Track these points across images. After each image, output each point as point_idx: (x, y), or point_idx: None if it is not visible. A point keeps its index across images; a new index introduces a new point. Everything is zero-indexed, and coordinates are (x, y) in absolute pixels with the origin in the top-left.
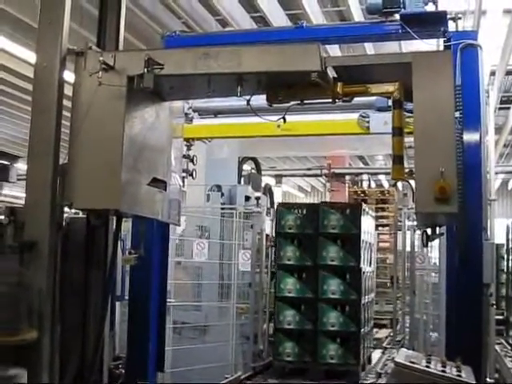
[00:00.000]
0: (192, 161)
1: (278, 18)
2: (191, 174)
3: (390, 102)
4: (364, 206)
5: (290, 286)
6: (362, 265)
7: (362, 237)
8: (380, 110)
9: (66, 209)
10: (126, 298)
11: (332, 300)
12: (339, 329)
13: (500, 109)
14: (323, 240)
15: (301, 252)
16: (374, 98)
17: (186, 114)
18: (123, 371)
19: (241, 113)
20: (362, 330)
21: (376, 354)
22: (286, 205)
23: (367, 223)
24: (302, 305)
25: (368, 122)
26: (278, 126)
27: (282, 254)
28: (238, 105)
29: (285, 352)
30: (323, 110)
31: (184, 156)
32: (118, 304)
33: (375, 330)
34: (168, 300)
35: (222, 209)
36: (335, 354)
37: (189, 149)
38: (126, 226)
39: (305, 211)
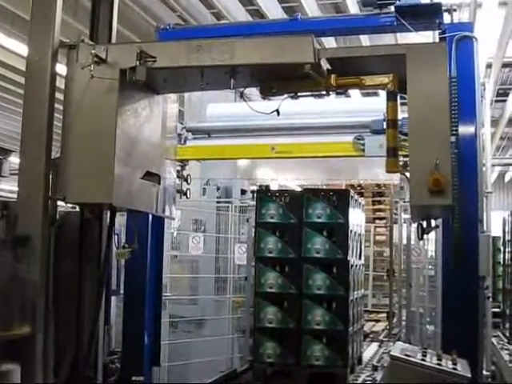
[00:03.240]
0: (186, 180)
1: (274, 11)
2: (185, 194)
3: (385, 125)
4: (352, 192)
5: (272, 280)
6: (350, 257)
7: (351, 227)
8: (375, 132)
9: (63, 203)
10: (122, 292)
11: (317, 296)
12: (325, 327)
13: (496, 101)
14: (308, 230)
15: (283, 243)
16: (369, 119)
17: (179, 135)
18: (119, 366)
19: (236, 132)
20: (351, 328)
21: (372, 348)
22: (267, 192)
23: (356, 212)
24: (284, 301)
25: (363, 144)
26: (273, 149)
27: (263, 246)
28: (233, 125)
29: (266, 353)
30: (318, 133)
31: (178, 176)
32: (113, 298)
33: (372, 323)
34: (164, 294)
35: (218, 202)
36: (321, 355)
37: (183, 168)
38: (122, 220)
39: (287, 199)
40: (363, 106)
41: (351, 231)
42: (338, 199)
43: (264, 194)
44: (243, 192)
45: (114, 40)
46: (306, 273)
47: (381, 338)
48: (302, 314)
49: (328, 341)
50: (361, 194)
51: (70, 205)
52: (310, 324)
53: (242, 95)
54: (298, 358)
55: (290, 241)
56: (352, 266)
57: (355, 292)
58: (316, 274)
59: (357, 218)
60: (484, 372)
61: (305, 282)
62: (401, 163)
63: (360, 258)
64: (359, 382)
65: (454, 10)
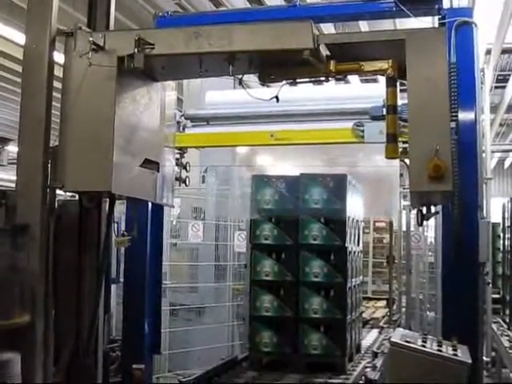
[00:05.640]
0: (185, 168)
1: None
2: (184, 182)
3: (385, 111)
4: (349, 177)
5: (268, 268)
6: (348, 244)
7: (348, 212)
8: (375, 118)
9: (63, 192)
10: (122, 280)
11: (315, 284)
12: (323, 316)
13: (496, 87)
14: (304, 216)
15: (279, 230)
16: (369, 105)
17: (178, 123)
18: (119, 354)
19: (235, 119)
20: (349, 316)
21: (373, 334)
22: (263, 177)
23: (354, 197)
24: (280, 289)
25: (363, 131)
26: (272, 136)
27: (259, 233)
28: (231, 112)
29: (262, 342)
30: (317, 119)
31: (177, 163)
32: (113, 287)
33: (372, 310)
34: (164, 282)
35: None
36: (318, 344)
37: (182, 156)
38: (122, 208)
39: (284, 184)
40: (363, 92)
41: (349, 217)
42: (336, 184)
43: (259, 179)
44: None
45: (112, 27)
46: (302, 260)
47: (381, 324)
48: (298, 302)
49: (326, 329)
50: None
51: (69, 193)
52: (307, 312)
53: (240, 82)
54: (295, 347)
55: (286, 227)
56: (350, 252)
57: (353, 279)
58: (313, 260)
59: (354, 203)
60: (484, 358)
61: (302, 270)
62: (400, 149)
63: (358, 244)
64: (358, 370)
65: None
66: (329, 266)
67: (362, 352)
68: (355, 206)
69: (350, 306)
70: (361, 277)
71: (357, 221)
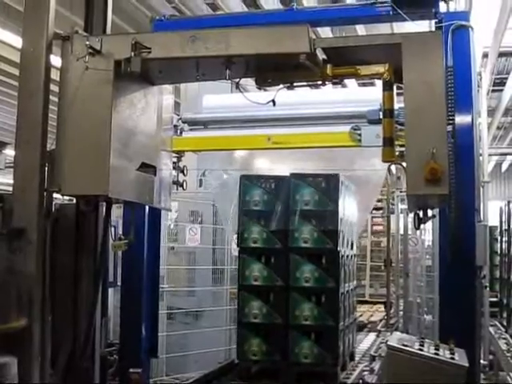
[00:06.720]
0: (182, 171)
1: (270, 1)
2: (181, 185)
3: (382, 115)
4: (342, 177)
5: (257, 272)
6: (340, 247)
7: (341, 214)
8: (372, 122)
9: (60, 196)
10: (119, 284)
11: (306, 289)
12: (314, 323)
13: (493, 91)
14: (295, 218)
15: (268, 232)
16: (366, 109)
17: (176, 126)
18: (116, 357)
19: (232, 123)
20: (342, 323)
21: (370, 338)
22: (251, 177)
23: (347, 198)
24: (270, 295)
25: (359, 134)
26: (269, 139)
27: (247, 236)
28: (229, 116)
29: (250, 350)
30: (314, 123)
31: (174, 167)
32: (110, 290)
33: (369, 313)
34: (161, 286)
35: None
36: (309, 352)
37: (179, 160)
38: (119, 212)
39: (273, 185)
40: (359, 95)
41: (341, 219)
42: (328, 185)
43: (248, 180)
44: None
45: (109, 31)
46: (293, 264)
47: (378, 328)
48: (289, 308)
49: (317, 337)
50: None
51: (66, 197)
52: (297, 319)
53: (237, 86)
54: (285, 356)
55: (275, 229)
56: (343, 256)
57: (346, 284)
58: (304, 265)
59: (348, 205)
60: (482, 361)
61: (292, 274)
62: (397, 153)
63: (352, 247)
64: (351, 379)
65: None
66: (320, 271)
67: (360, 356)
68: (348, 208)
69: (342, 312)
70: (354, 281)
71: (350, 222)
